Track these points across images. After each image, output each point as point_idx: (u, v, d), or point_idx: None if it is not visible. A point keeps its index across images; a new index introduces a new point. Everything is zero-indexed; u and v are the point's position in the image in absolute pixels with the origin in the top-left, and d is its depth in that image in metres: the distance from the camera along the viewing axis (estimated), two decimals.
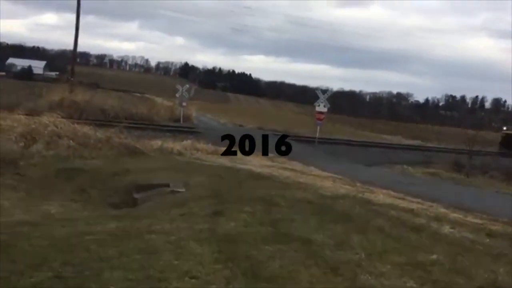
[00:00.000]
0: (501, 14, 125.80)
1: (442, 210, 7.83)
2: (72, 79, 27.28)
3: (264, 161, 13.91)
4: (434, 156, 20.79)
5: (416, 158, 19.62)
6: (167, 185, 8.46)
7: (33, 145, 11.25)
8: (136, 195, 8.03)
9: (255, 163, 13.03)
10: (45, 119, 12.78)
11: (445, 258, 4.87)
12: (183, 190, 8.17)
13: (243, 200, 7.20)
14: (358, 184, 10.33)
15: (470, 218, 7.34)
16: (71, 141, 11.69)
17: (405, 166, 16.43)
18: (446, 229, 6.27)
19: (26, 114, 13.33)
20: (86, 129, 12.60)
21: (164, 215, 6.30)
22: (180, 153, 13.17)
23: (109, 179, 9.55)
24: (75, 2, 29.22)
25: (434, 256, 4.90)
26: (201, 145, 14.92)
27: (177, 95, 27.65)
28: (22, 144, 11.05)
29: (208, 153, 14.07)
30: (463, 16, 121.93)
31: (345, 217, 6.45)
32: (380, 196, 8.63)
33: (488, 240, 5.92)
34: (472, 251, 5.37)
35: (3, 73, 73.31)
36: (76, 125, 12.68)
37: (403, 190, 10.09)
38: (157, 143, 13.75)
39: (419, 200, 8.80)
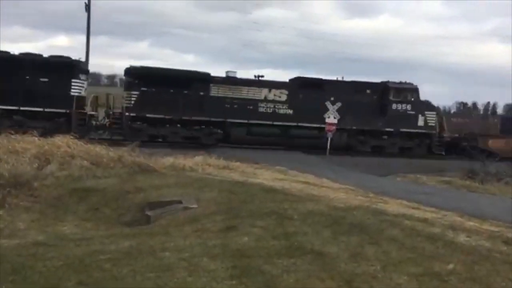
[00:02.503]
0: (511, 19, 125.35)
1: (457, 218, 7.73)
2: None
3: (275, 174, 13.89)
4: (447, 164, 20.61)
5: (429, 166, 19.47)
6: (180, 202, 8.48)
7: (46, 166, 11.36)
8: (148, 213, 8.05)
9: (267, 176, 13.01)
10: (58, 140, 12.92)
11: (462, 267, 4.81)
12: (195, 206, 8.18)
13: (256, 214, 7.20)
14: (371, 195, 10.26)
15: (486, 226, 7.24)
16: (84, 161, 11.78)
17: (418, 175, 16.30)
18: (462, 237, 6.18)
19: (40, 136, 13.49)
20: (99, 149, 12.70)
21: (177, 231, 6.32)
22: (192, 169, 13.18)
23: (122, 197, 9.59)
24: (85, 23, 29.74)
25: (451, 266, 4.84)
26: (212, 160, 14.93)
27: None
28: (36, 165, 11.17)
29: (219, 168, 14.06)
30: (473, 22, 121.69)
31: (359, 228, 6.40)
32: (394, 206, 8.55)
33: (505, 248, 5.83)
34: (489, 259, 5.29)
35: None
36: (89, 145, 12.80)
37: (417, 199, 10.00)
38: (168, 160, 13.79)
39: (433, 209, 8.70)
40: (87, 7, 35.93)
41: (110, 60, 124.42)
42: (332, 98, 23.56)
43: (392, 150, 24.19)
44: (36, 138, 12.98)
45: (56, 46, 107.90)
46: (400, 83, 24.86)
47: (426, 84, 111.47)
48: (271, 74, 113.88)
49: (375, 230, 6.32)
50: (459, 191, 13.38)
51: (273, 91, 23.49)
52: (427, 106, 25.38)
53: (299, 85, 23.90)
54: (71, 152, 12.16)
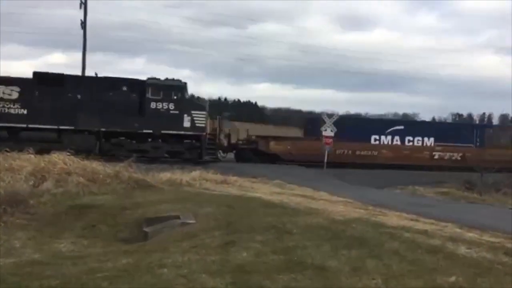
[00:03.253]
0: (506, 31, 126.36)
1: (457, 230, 7.69)
2: None
3: (273, 188, 13.85)
4: (444, 175, 20.61)
5: (426, 178, 19.45)
6: (177, 217, 8.41)
7: (42, 184, 11.27)
8: (146, 229, 7.97)
9: (265, 190, 12.97)
10: (55, 157, 12.84)
11: (464, 280, 4.76)
12: (193, 221, 8.11)
13: (254, 229, 7.14)
14: (370, 207, 10.22)
15: (486, 237, 7.20)
16: (80, 177, 11.70)
17: (416, 187, 16.28)
18: (463, 249, 6.14)
19: (37, 153, 13.40)
20: (95, 165, 12.63)
21: (175, 248, 6.24)
22: (189, 184, 13.13)
23: (119, 214, 9.51)
24: (81, 41, 29.87)
25: (453, 278, 4.79)
26: (209, 175, 14.88)
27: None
28: (31, 182, 11.08)
29: (217, 183, 14.02)
30: (468, 35, 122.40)
31: (359, 241, 6.35)
32: (393, 219, 8.51)
33: (507, 259, 5.78)
34: (492, 271, 5.24)
35: None
36: (85, 161, 12.72)
37: (416, 211, 9.96)
38: (166, 175, 13.73)
39: (432, 221, 8.66)
40: (83, 25, 36.14)
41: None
42: (78, 96, 21.18)
43: (157, 154, 21.38)
44: (32, 156, 12.89)
45: (53, 64, 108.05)
46: (164, 80, 22.21)
47: (423, 96, 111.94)
48: (268, 88, 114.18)
49: (375, 243, 6.27)
50: (458, 202, 13.34)
51: (1, 88, 20.43)
52: (195, 105, 22.69)
53: (35, 82, 20.86)
54: (68, 168, 12.07)
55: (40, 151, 13.79)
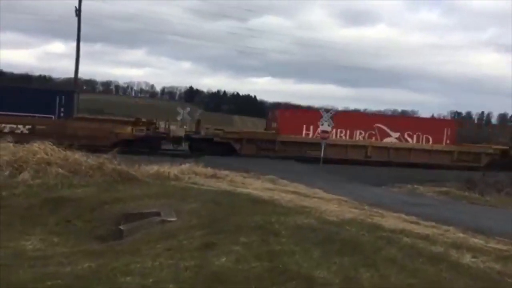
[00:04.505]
0: (508, 29, 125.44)
1: (460, 234, 7.07)
2: None
3: (266, 183, 13.21)
4: (444, 174, 20.00)
5: (425, 176, 18.82)
6: (158, 214, 7.76)
7: (19, 174, 10.61)
8: (121, 227, 7.33)
9: (256, 186, 12.33)
10: (36, 146, 12.16)
11: None
12: (174, 219, 7.47)
13: (239, 229, 6.52)
14: (366, 207, 9.59)
15: (492, 244, 6.58)
16: (60, 168, 11.03)
17: (415, 185, 15.65)
18: (468, 258, 5.52)
19: (16, 142, 12.71)
20: (78, 155, 11.95)
21: (148, 250, 5.61)
22: (177, 178, 12.47)
23: (98, 208, 8.86)
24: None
25: None
26: (200, 168, 14.23)
27: (178, 118, 27.06)
28: (7, 173, 10.43)
29: (207, 177, 13.38)
30: (470, 32, 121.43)
31: (353, 246, 5.73)
32: (391, 220, 7.89)
33: None
34: (501, 285, 4.62)
35: None
36: (67, 152, 12.03)
37: (415, 212, 9.33)
38: (153, 167, 13.07)
39: (433, 223, 8.04)
40: (78, 12, 35.33)
41: (107, 67, 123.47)
42: None
43: None
44: (11, 144, 12.22)
45: (52, 53, 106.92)
46: None
47: (423, 93, 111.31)
48: (268, 82, 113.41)
49: (371, 249, 5.64)
50: (459, 203, 12.72)
51: None
52: None
53: None
54: (48, 159, 11.40)
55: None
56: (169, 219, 7.42)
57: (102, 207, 8.93)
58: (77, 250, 6.17)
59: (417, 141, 25.41)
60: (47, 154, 11.76)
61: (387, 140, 25.04)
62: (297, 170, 18.48)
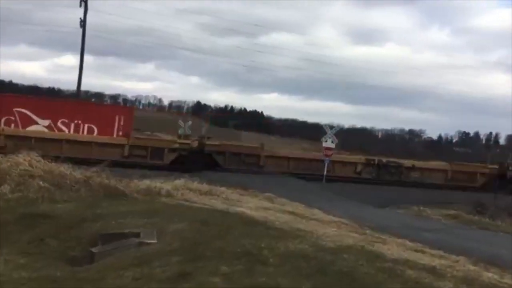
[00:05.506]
0: None
1: (471, 267, 6.30)
2: None
3: (262, 202, 12.48)
4: (452, 195, 19.12)
5: (433, 197, 17.96)
6: (137, 235, 7.09)
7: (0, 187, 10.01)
8: (94, 249, 6.64)
9: (252, 204, 11.61)
10: (21, 157, 11.57)
11: None
12: (154, 241, 6.79)
13: (223, 255, 5.83)
14: (367, 231, 8.85)
15: (508, 280, 5.82)
16: (44, 182, 10.41)
17: (421, 208, 14.85)
18: None
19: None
20: (64, 168, 11.33)
21: (114, 279, 4.93)
22: (168, 194, 11.79)
23: (76, 226, 8.20)
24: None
25: None
26: (194, 184, 13.54)
27: (179, 132, 26.40)
28: None
29: (201, 194, 12.68)
30: (478, 52, 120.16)
31: (349, 280, 5.03)
32: (394, 248, 7.14)
33: None
34: None
35: None
36: (52, 164, 11.42)
37: (421, 238, 8.56)
38: (144, 182, 12.41)
39: (441, 252, 7.28)
40: (83, 23, 35.17)
41: (118, 81, 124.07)
42: None
43: None
44: None
45: (62, 65, 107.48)
46: None
47: (431, 112, 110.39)
48: (276, 99, 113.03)
49: (371, 283, 4.93)
50: (468, 228, 11.91)
51: None
52: None
53: None
54: (31, 171, 10.80)
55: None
56: (147, 241, 6.74)
57: (81, 225, 8.27)
58: (38, 275, 5.50)
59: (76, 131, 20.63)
60: (31, 166, 11.17)
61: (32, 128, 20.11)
62: (298, 187, 17.73)
